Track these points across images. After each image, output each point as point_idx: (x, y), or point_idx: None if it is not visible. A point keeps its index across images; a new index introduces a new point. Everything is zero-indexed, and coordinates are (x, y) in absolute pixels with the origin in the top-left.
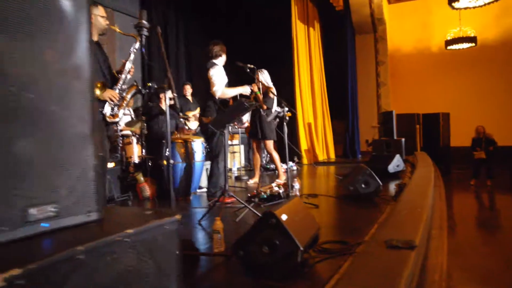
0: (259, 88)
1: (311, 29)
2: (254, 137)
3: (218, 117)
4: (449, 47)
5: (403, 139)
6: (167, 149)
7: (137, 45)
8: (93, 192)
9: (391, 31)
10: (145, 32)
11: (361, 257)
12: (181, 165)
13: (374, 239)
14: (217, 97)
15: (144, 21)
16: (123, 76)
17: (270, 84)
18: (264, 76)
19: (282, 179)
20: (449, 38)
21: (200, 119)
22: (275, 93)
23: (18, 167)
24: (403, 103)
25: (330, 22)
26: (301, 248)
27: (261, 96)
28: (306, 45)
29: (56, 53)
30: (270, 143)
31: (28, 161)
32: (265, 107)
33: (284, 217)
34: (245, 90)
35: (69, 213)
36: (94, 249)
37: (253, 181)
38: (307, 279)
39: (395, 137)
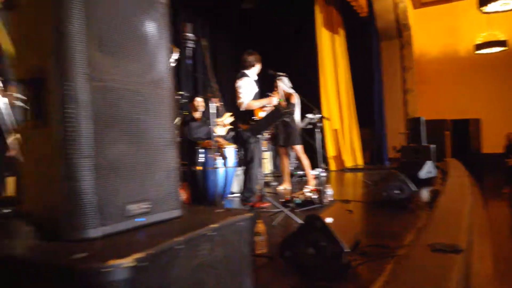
0: (281, 96)
1: (336, 36)
2: (282, 143)
3: (255, 124)
4: (478, 51)
5: (433, 145)
6: (201, 155)
7: (176, 55)
8: (175, 192)
9: (417, 36)
10: (190, 44)
11: (405, 260)
12: (215, 171)
13: (416, 243)
14: (242, 109)
15: (189, 34)
16: None
17: (291, 90)
18: (285, 83)
19: (311, 185)
20: (478, 42)
21: (235, 126)
22: (295, 100)
23: (118, 168)
24: (432, 109)
25: (355, 29)
26: (346, 250)
27: (285, 103)
28: (332, 51)
29: (144, 69)
30: (300, 148)
31: (125, 164)
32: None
33: (329, 220)
34: (270, 101)
35: (158, 209)
36: (190, 240)
37: (282, 187)
38: (352, 280)
39: (423, 144)
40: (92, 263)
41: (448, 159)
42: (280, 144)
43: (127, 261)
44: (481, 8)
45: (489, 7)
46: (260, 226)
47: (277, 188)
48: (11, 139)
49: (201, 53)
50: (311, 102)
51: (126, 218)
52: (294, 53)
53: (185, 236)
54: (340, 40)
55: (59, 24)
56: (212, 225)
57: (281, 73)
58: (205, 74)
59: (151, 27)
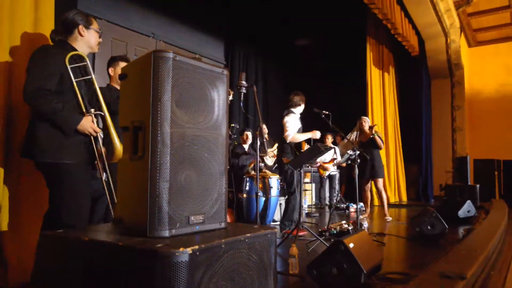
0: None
1: (385, 73)
2: (368, 176)
3: (296, 158)
4: None
5: (477, 185)
6: (247, 184)
7: (230, 97)
8: (223, 209)
9: (471, 74)
10: (243, 90)
11: (417, 284)
12: (258, 199)
13: (431, 271)
14: (288, 141)
15: (243, 82)
16: None
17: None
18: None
19: (389, 216)
20: None
21: (279, 158)
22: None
23: (186, 190)
24: (482, 149)
25: (405, 67)
26: (365, 272)
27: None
28: (381, 89)
29: (208, 120)
30: (381, 182)
31: (191, 187)
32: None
33: (351, 245)
34: (314, 135)
35: (210, 221)
36: (230, 243)
37: (363, 217)
38: None
39: (469, 183)
40: (167, 249)
41: (494, 200)
42: (366, 177)
43: (187, 250)
44: None
45: None
46: (294, 249)
47: (360, 217)
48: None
49: (253, 97)
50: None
51: (189, 225)
52: (344, 90)
53: (226, 239)
54: (390, 78)
55: (156, 91)
56: (246, 235)
57: (325, 112)
58: (255, 115)
59: (214, 90)
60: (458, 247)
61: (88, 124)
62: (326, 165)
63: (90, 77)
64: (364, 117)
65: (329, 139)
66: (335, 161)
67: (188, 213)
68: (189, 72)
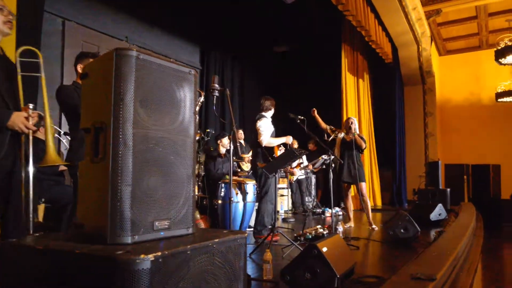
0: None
1: (360, 80)
2: (350, 180)
3: (271, 163)
4: (499, 100)
5: (448, 189)
6: (222, 190)
7: (201, 98)
8: (191, 215)
9: (442, 82)
10: (216, 93)
11: (388, 286)
12: (234, 205)
13: (402, 273)
14: (263, 145)
15: (216, 85)
16: None
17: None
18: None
19: (374, 227)
20: (499, 90)
21: (253, 163)
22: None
23: (150, 194)
24: (453, 154)
25: (379, 74)
26: (338, 276)
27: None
28: (355, 95)
29: (174, 121)
30: (364, 186)
31: (155, 191)
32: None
33: (324, 249)
34: (288, 139)
35: (176, 227)
36: (196, 249)
37: (348, 225)
38: None
39: (440, 187)
40: (128, 256)
41: (463, 203)
42: (347, 181)
43: (149, 256)
44: (498, 60)
45: (507, 59)
46: (268, 255)
47: (345, 226)
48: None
49: (226, 100)
50: (330, 143)
51: (154, 231)
52: (320, 96)
53: (192, 245)
54: (364, 84)
55: (118, 91)
56: (214, 240)
57: (300, 117)
58: (229, 118)
59: (181, 91)
60: (429, 249)
61: (18, 119)
62: (292, 170)
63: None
64: (352, 117)
65: (295, 145)
66: (301, 165)
67: (152, 218)
68: (154, 71)
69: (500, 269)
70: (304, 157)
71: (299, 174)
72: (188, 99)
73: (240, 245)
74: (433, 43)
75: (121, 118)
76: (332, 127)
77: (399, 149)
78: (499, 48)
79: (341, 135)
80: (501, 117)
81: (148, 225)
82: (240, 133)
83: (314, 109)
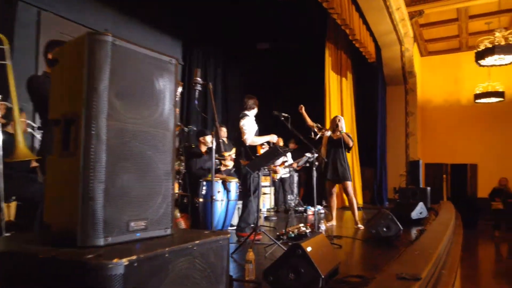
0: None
1: (343, 79)
2: (336, 178)
3: (254, 160)
4: (477, 101)
5: (428, 188)
6: (204, 188)
7: (180, 89)
8: (170, 214)
9: (422, 83)
10: (198, 87)
11: (374, 285)
12: (217, 203)
13: (386, 273)
14: (247, 144)
15: (198, 78)
16: None
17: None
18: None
19: (360, 226)
20: (478, 92)
21: (236, 161)
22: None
23: (125, 192)
24: (432, 153)
25: (362, 73)
26: (322, 276)
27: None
28: (339, 93)
29: (153, 114)
30: (350, 185)
31: (131, 189)
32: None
33: (309, 249)
34: (272, 138)
35: (153, 227)
36: (175, 251)
37: (330, 224)
38: None
39: (421, 186)
40: (99, 260)
41: (442, 202)
42: (332, 179)
43: (122, 261)
44: (478, 62)
45: (486, 61)
46: (251, 255)
47: (327, 225)
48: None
49: (209, 95)
50: (316, 141)
51: (129, 232)
52: (303, 94)
53: (171, 248)
54: (347, 83)
55: (91, 80)
56: (194, 242)
57: (284, 114)
58: (212, 114)
59: (160, 82)
60: (412, 248)
61: None
62: (276, 168)
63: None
64: (339, 115)
65: (280, 143)
66: (285, 164)
67: (127, 218)
68: (131, 59)
69: (475, 266)
70: (289, 155)
71: (282, 172)
72: (168, 90)
73: (223, 246)
74: (415, 44)
75: (94, 108)
76: (319, 125)
77: (381, 148)
78: (479, 50)
79: (328, 133)
80: (479, 118)
81: (123, 225)
82: (224, 131)
83: (302, 106)
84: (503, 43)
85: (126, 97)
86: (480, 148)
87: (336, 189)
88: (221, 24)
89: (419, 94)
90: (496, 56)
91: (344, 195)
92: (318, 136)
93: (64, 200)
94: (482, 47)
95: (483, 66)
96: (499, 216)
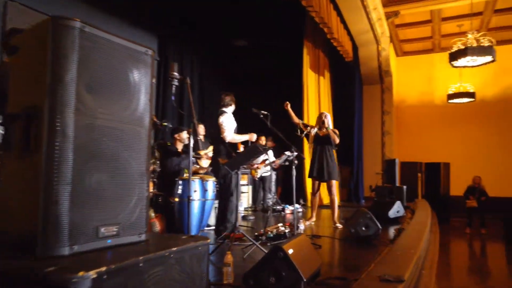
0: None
1: (321, 77)
2: (325, 177)
3: (234, 159)
4: (450, 101)
5: (404, 187)
6: (180, 187)
7: (154, 81)
8: (144, 218)
9: (397, 83)
10: (175, 82)
11: None
12: (192, 203)
13: (370, 274)
14: (226, 141)
15: (175, 73)
16: None
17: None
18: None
19: (338, 225)
20: (450, 92)
21: (214, 160)
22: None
23: (95, 195)
24: (407, 152)
25: (340, 72)
26: (304, 280)
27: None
28: (316, 92)
29: (127, 109)
30: (335, 184)
31: (100, 192)
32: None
33: (290, 251)
34: (251, 137)
35: (126, 233)
36: (150, 260)
37: (309, 222)
38: None
39: (397, 184)
40: (61, 274)
41: (417, 200)
42: (317, 177)
43: (89, 273)
44: (451, 63)
45: (459, 62)
46: (229, 257)
47: (305, 224)
48: None
49: (186, 90)
50: (295, 139)
51: (98, 239)
52: (281, 92)
53: (145, 256)
54: (325, 82)
55: (56, 70)
56: (172, 249)
57: (263, 112)
58: (189, 110)
59: (135, 74)
60: (393, 248)
61: None
62: (257, 166)
63: None
64: (324, 112)
65: (262, 141)
66: (266, 162)
67: (97, 223)
68: (103, 48)
69: (449, 262)
70: (270, 153)
71: (263, 171)
72: (143, 84)
73: (202, 252)
74: (391, 44)
75: (59, 102)
76: (304, 122)
77: (357, 147)
78: (453, 51)
79: (314, 130)
80: (452, 118)
81: (92, 232)
82: (202, 128)
83: (288, 102)
84: (475, 45)
85: (97, 90)
86: (453, 147)
87: (318, 186)
88: (198, 19)
89: (394, 93)
90: (468, 58)
91: (323, 193)
92: (304, 133)
93: (22, 204)
94: (455, 48)
95: (456, 67)
96: (473, 213)
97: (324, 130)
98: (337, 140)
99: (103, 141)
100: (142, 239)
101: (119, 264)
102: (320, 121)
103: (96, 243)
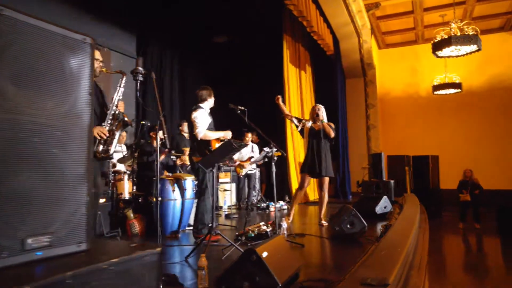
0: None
1: (302, 72)
2: (323, 173)
3: (208, 156)
4: (436, 92)
5: (392, 181)
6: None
7: (124, 80)
8: (84, 226)
9: (381, 75)
10: (140, 77)
11: None
12: (172, 203)
13: (351, 277)
14: (199, 138)
15: (139, 68)
16: (110, 111)
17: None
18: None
19: (323, 222)
20: (435, 83)
21: (190, 158)
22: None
23: (19, 201)
24: (394, 145)
25: (321, 66)
26: (280, 285)
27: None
28: (298, 86)
29: (62, 104)
30: (327, 181)
31: (28, 196)
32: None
33: (265, 254)
34: (226, 134)
35: (61, 243)
36: (81, 275)
37: (291, 219)
38: None
39: (384, 179)
40: None
41: (406, 194)
42: (311, 173)
43: None
44: (435, 53)
45: (443, 52)
46: (203, 261)
47: (288, 222)
48: None
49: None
50: (277, 136)
51: (25, 252)
52: (262, 87)
53: (75, 271)
54: (306, 76)
55: None
56: (112, 260)
57: (241, 107)
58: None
59: (72, 65)
60: (378, 247)
61: None
62: (243, 164)
63: None
64: (318, 104)
65: (249, 137)
66: (251, 159)
67: (23, 234)
68: (31, 36)
69: (441, 260)
70: (256, 149)
71: (249, 168)
72: (82, 76)
73: (151, 263)
74: (373, 36)
75: None
76: (297, 116)
77: (342, 141)
78: (436, 41)
79: (309, 123)
80: (438, 109)
81: (16, 244)
82: (185, 125)
83: (279, 96)
84: (459, 34)
85: (23, 82)
86: (441, 139)
87: (307, 182)
88: (176, 16)
89: (378, 86)
90: (452, 47)
91: (309, 190)
92: (299, 128)
93: None
94: (439, 38)
95: (440, 57)
96: (466, 207)
97: (319, 123)
98: (333, 134)
99: (30, 140)
100: (82, 249)
101: (41, 281)
102: (314, 114)
103: (22, 257)
